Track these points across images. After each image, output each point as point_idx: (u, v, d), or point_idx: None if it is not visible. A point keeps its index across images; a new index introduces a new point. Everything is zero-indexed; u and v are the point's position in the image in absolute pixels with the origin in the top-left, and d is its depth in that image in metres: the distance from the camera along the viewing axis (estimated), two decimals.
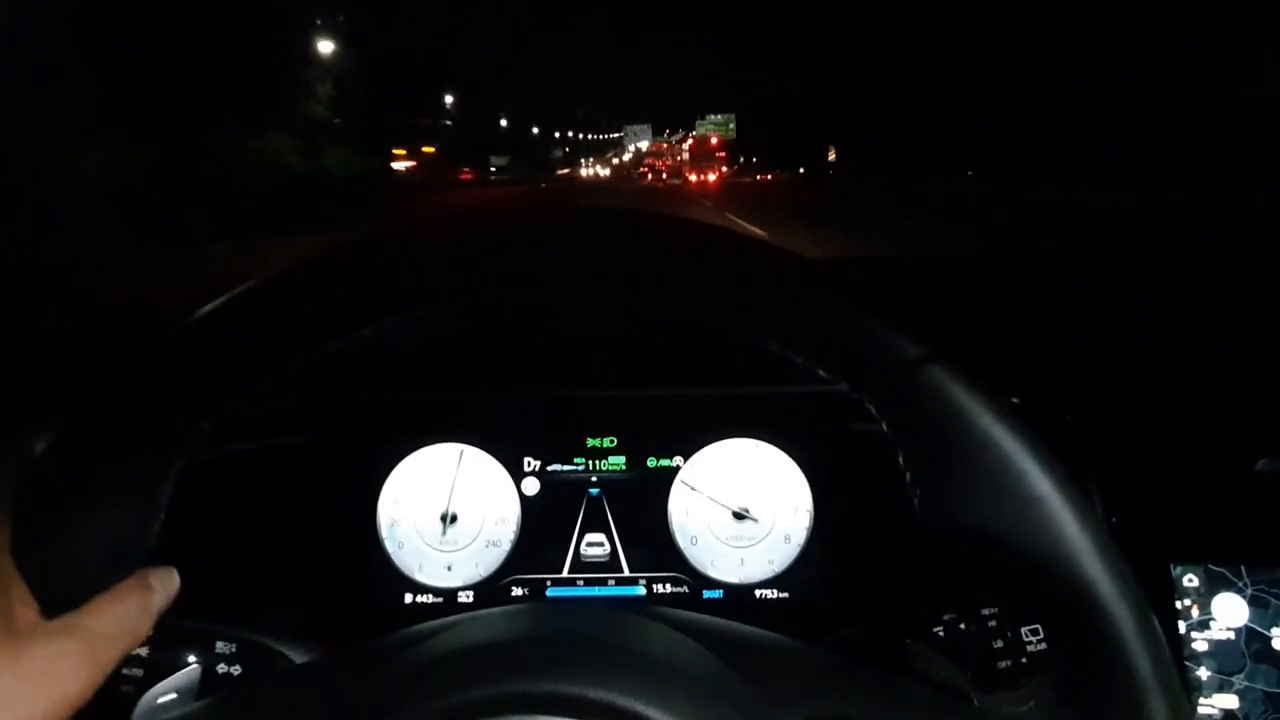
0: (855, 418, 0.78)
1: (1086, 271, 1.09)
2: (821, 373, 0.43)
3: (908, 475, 0.41)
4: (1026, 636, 0.57)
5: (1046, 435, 0.41)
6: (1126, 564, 0.39)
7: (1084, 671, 0.40)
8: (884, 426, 0.42)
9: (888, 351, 0.41)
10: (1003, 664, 0.57)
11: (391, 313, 0.45)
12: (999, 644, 0.58)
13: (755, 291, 0.43)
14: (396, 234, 0.46)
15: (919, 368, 0.40)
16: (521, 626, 0.48)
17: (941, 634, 0.60)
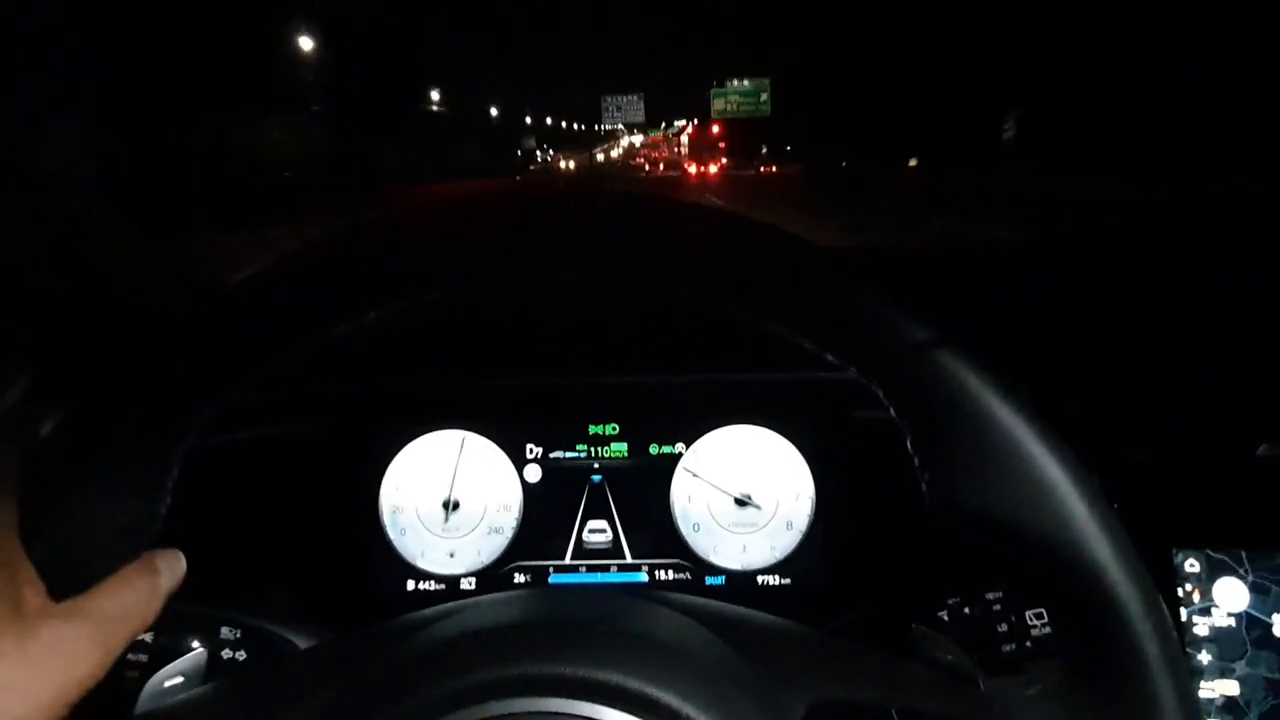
0: (858, 405, 0.78)
1: (1087, 259, 1.09)
2: (829, 357, 0.43)
3: (915, 459, 0.41)
4: (1031, 620, 0.57)
5: (1053, 420, 0.41)
6: (1132, 546, 0.39)
7: (1090, 653, 0.40)
8: (891, 411, 0.42)
9: (896, 335, 0.41)
10: (1007, 648, 0.57)
11: (395, 297, 0.45)
12: (1003, 628, 0.58)
13: (764, 275, 0.43)
14: (402, 216, 0.46)
15: (927, 352, 0.40)
16: (528, 611, 0.48)
17: (946, 619, 0.60)
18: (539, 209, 0.47)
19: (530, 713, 0.38)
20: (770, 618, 0.50)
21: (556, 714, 0.38)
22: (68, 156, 0.59)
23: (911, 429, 0.41)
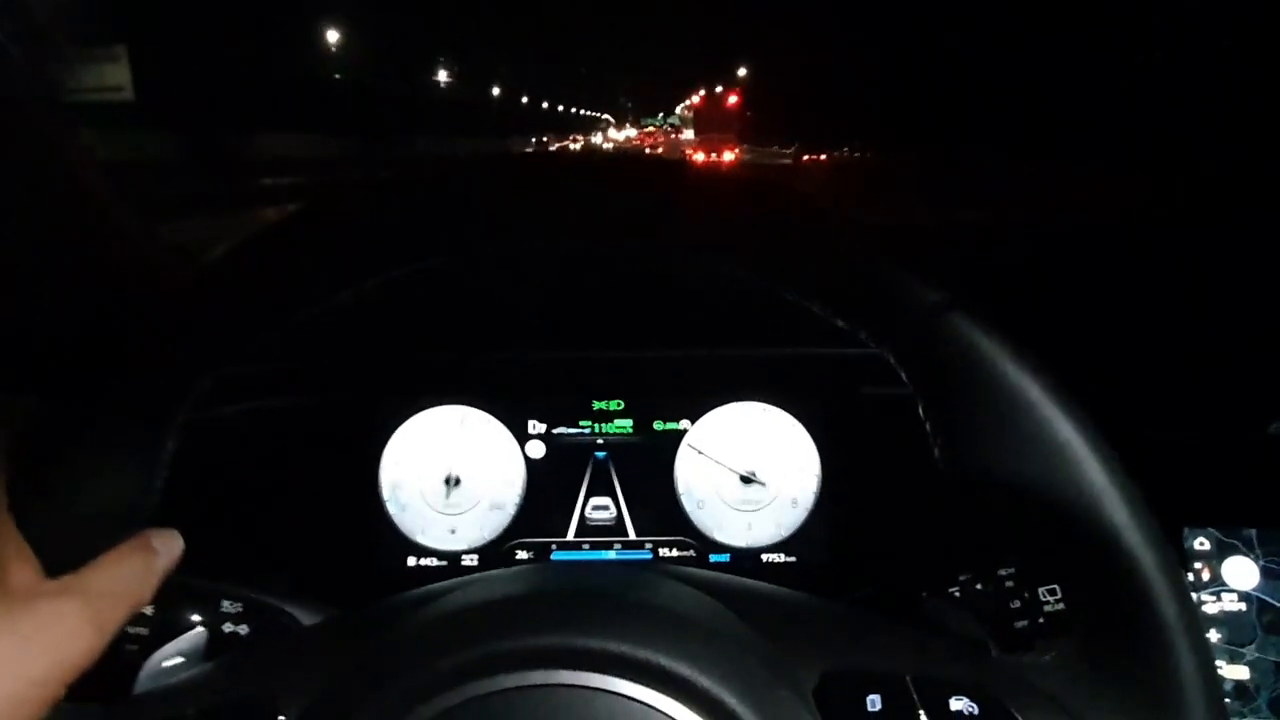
0: (865, 381, 0.77)
1: (1096, 237, 1.09)
2: (840, 322, 0.42)
3: (928, 424, 0.41)
4: (1044, 596, 0.57)
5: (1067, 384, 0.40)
6: (1149, 510, 0.38)
7: (1106, 618, 0.40)
8: (902, 376, 0.42)
9: (908, 299, 0.41)
10: (1020, 624, 0.57)
11: (395, 264, 0.44)
12: (1016, 604, 0.58)
13: (776, 238, 0.43)
14: (405, 180, 0.45)
15: (939, 315, 0.40)
16: (536, 584, 0.48)
17: (957, 595, 0.59)
18: (547, 175, 0.46)
19: (540, 685, 0.38)
20: (780, 589, 0.50)
21: (567, 686, 0.38)
22: (66, 139, 0.58)
23: (923, 394, 0.41)
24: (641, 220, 0.44)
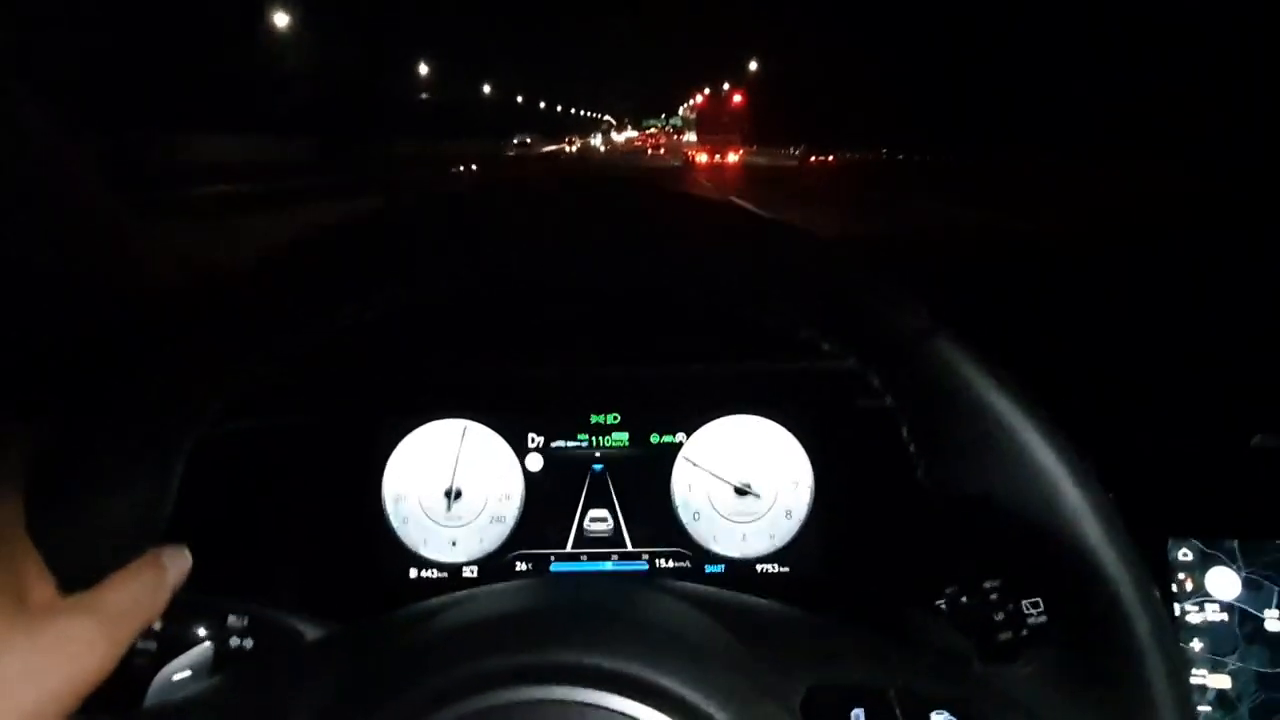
0: (858, 395, 0.78)
1: (1082, 247, 1.10)
2: (826, 345, 0.43)
3: (911, 446, 0.42)
4: (1027, 609, 0.58)
5: (1049, 407, 0.41)
6: (1126, 531, 0.40)
7: (1083, 636, 0.41)
8: (888, 398, 0.43)
9: (894, 323, 0.42)
10: (1003, 636, 0.58)
11: (402, 288, 0.45)
12: (1000, 616, 0.59)
13: (763, 265, 0.43)
14: (415, 205, 0.46)
15: (924, 339, 0.41)
16: (531, 600, 0.49)
17: (943, 607, 0.61)
18: (533, 200, 0.47)
19: (535, 700, 0.39)
20: (768, 603, 0.51)
21: (560, 701, 0.39)
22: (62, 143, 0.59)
23: (907, 415, 0.42)
24: (621, 250, 0.44)
